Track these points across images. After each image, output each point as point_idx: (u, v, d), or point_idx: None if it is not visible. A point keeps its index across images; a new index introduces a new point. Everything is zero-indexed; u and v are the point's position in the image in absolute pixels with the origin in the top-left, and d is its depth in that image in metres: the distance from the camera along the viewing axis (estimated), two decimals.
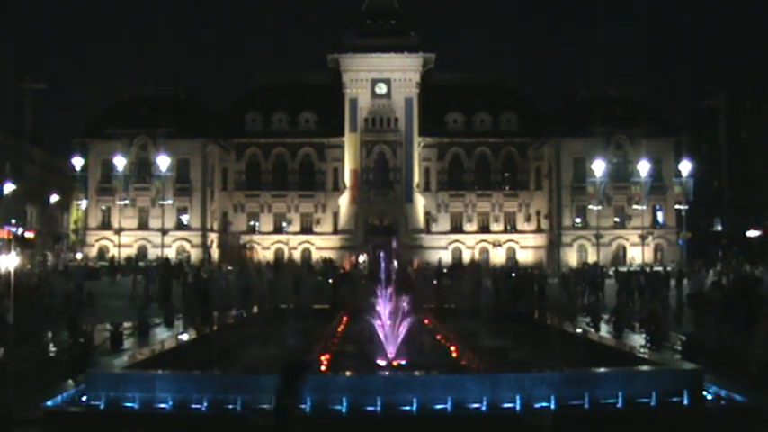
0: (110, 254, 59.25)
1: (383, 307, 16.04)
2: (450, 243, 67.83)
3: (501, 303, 26.16)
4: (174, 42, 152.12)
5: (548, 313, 23.08)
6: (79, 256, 62.05)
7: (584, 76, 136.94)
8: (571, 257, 60.25)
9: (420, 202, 68.21)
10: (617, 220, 62.75)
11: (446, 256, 65.40)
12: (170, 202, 58.34)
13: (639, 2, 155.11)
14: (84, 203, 66.00)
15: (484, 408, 10.66)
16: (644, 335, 19.24)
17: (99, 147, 63.25)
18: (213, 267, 47.68)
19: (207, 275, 32.87)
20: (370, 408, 10.59)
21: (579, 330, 19.54)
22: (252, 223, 68.97)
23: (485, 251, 67.22)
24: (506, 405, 10.73)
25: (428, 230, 68.13)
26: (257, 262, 55.53)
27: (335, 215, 68.54)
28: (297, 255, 66.48)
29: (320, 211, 68.67)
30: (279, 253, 66.28)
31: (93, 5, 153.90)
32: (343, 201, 68.12)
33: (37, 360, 15.54)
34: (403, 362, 14.39)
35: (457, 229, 68.57)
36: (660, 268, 41.49)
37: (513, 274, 36.19)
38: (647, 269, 37.94)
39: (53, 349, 17.14)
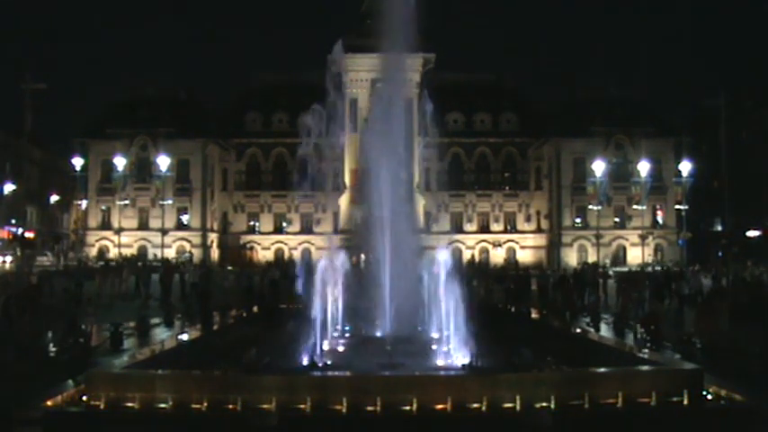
0: (110, 254, 59.31)
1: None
2: (450, 243, 67.75)
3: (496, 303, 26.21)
4: (174, 42, 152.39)
5: (548, 312, 23.05)
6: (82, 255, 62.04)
7: (584, 76, 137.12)
8: (571, 257, 60.23)
9: (420, 201, 68.13)
10: (617, 220, 62.72)
11: (446, 257, 65.30)
12: (170, 202, 58.37)
13: (639, 2, 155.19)
14: (84, 203, 65.95)
15: (484, 408, 10.64)
16: (644, 335, 19.20)
17: (99, 147, 63.25)
18: (213, 267, 47.67)
19: (205, 275, 32.88)
20: (369, 408, 10.57)
21: (579, 330, 19.53)
22: (252, 223, 68.93)
23: (485, 251, 67.23)
24: (506, 405, 10.71)
25: (428, 230, 68.03)
26: (266, 263, 55.38)
27: (335, 215, 68.47)
28: (297, 255, 66.47)
29: (320, 211, 68.61)
30: (279, 253, 66.27)
31: (94, 5, 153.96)
32: (344, 201, 68.07)
33: (37, 360, 15.51)
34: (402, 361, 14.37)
35: (457, 228, 68.53)
36: (662, 267, 41.53)
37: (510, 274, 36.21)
38: (648, 269, 37.98)
39: (53, 349, 17.10)
